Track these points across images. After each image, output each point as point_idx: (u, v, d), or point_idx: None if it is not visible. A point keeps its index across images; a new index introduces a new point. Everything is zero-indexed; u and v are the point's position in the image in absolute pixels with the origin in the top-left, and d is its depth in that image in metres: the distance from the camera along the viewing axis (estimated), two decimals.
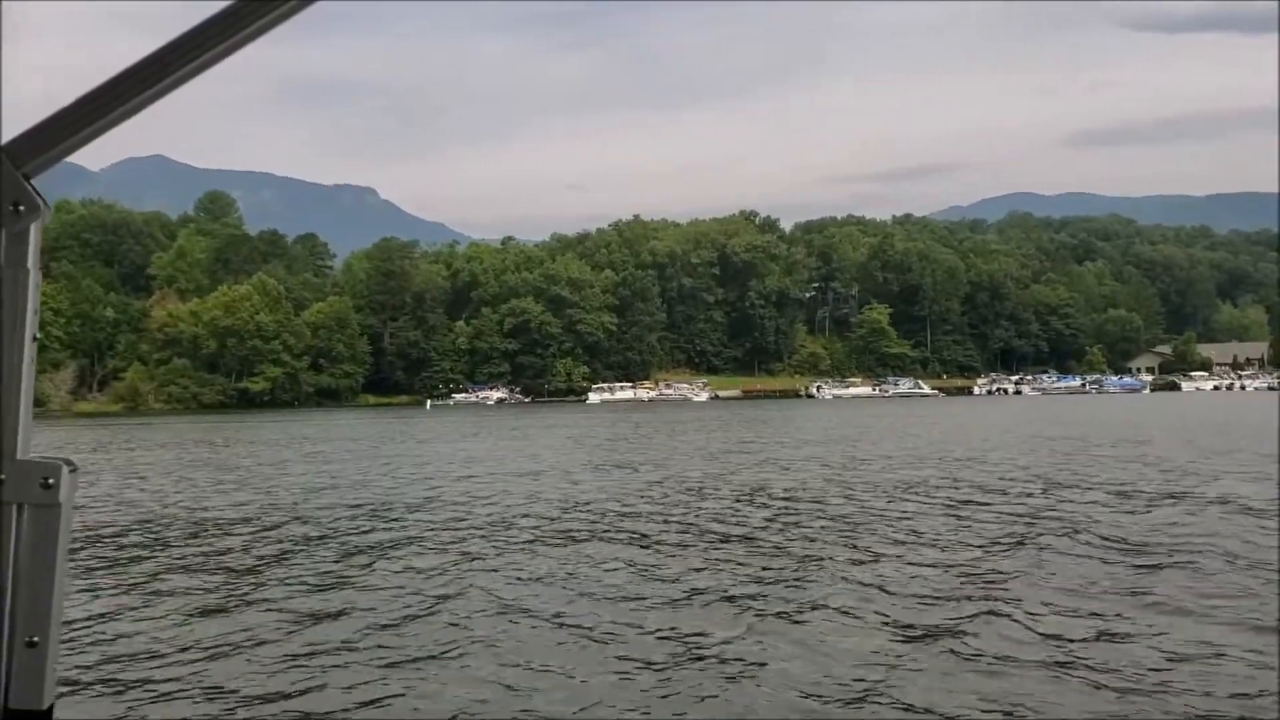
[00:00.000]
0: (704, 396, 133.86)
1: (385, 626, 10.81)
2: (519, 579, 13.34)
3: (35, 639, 1.36)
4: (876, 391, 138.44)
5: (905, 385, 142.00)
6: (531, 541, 16.44)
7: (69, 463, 1.39)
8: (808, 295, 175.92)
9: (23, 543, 1.36)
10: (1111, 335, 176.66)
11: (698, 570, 13.74)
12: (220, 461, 37.02)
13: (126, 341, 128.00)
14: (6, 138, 1.40)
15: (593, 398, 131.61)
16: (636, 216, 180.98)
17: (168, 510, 21.77)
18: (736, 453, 36.87)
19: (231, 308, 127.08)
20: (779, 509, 19.90)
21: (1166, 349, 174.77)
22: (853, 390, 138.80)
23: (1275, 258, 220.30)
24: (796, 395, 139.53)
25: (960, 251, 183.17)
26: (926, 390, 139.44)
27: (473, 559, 14.89)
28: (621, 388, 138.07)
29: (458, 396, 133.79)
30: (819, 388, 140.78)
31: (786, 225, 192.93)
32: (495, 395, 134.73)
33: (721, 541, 16.06)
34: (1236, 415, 57.49)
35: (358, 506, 21.65)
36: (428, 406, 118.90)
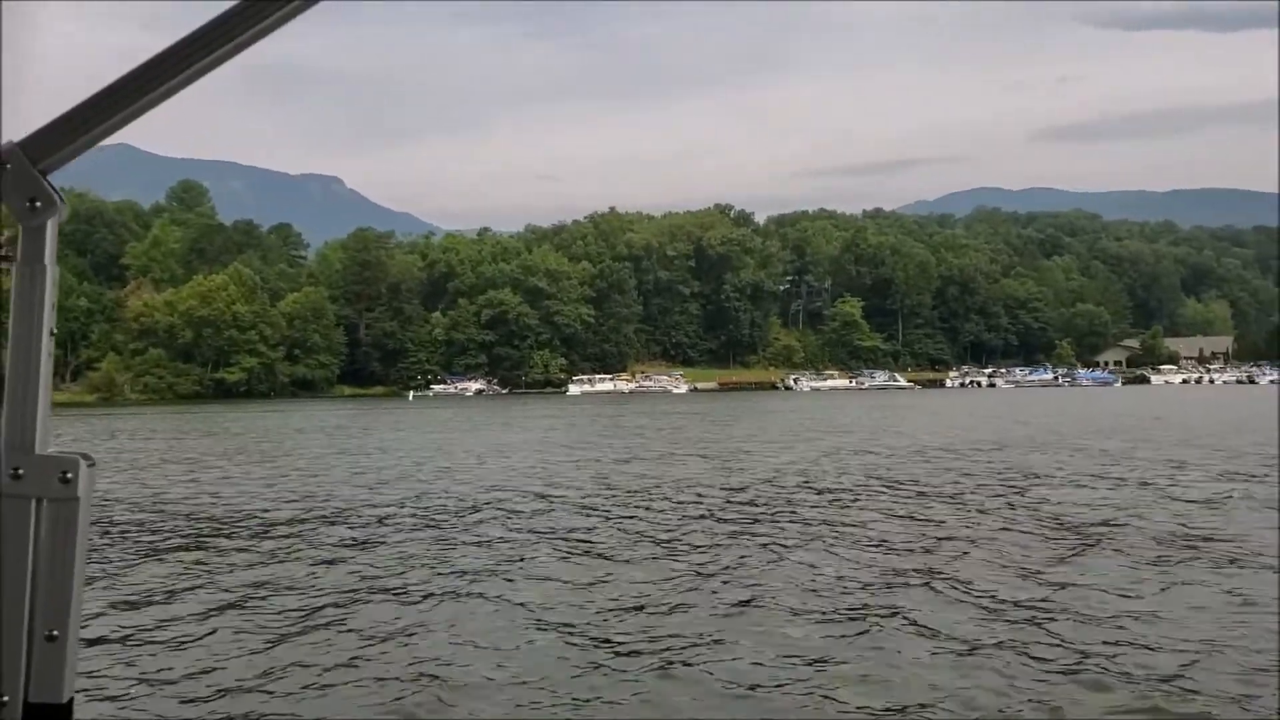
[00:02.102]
0: (683, 388, 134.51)
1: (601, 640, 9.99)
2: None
3: (55, 633, 1.37)
4: (853, 384, 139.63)
5: (881, 378, 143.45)
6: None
7: (87, 457, 1.39)
8: (782, 288, 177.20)
9: (42, 537, 1.37)
10: (1080, 329, 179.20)
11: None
12: (272, 451, 36.72)
13: (100, 331, 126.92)
14: (23, 134, 1.40)
15: (573, 389, 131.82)
16: (612, 209, 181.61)
17: (203, 503, 21.86)
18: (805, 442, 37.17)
19: (207, 298, 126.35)
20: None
21: (1134, 343, 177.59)
22: (830, 383, 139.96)
23: (1239, 253, 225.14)
24: (773, 387, 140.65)
25: (931, 246, 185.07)
26: (903, 383, 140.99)
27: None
28: (601, 379, 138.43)
29: (436, 388, 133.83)
30: (796, 380, 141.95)
31: (759, 218, 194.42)
32: (474, 386, 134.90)
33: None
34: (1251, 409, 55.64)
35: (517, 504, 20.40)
36: (410, 398, 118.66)
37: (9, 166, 1.37)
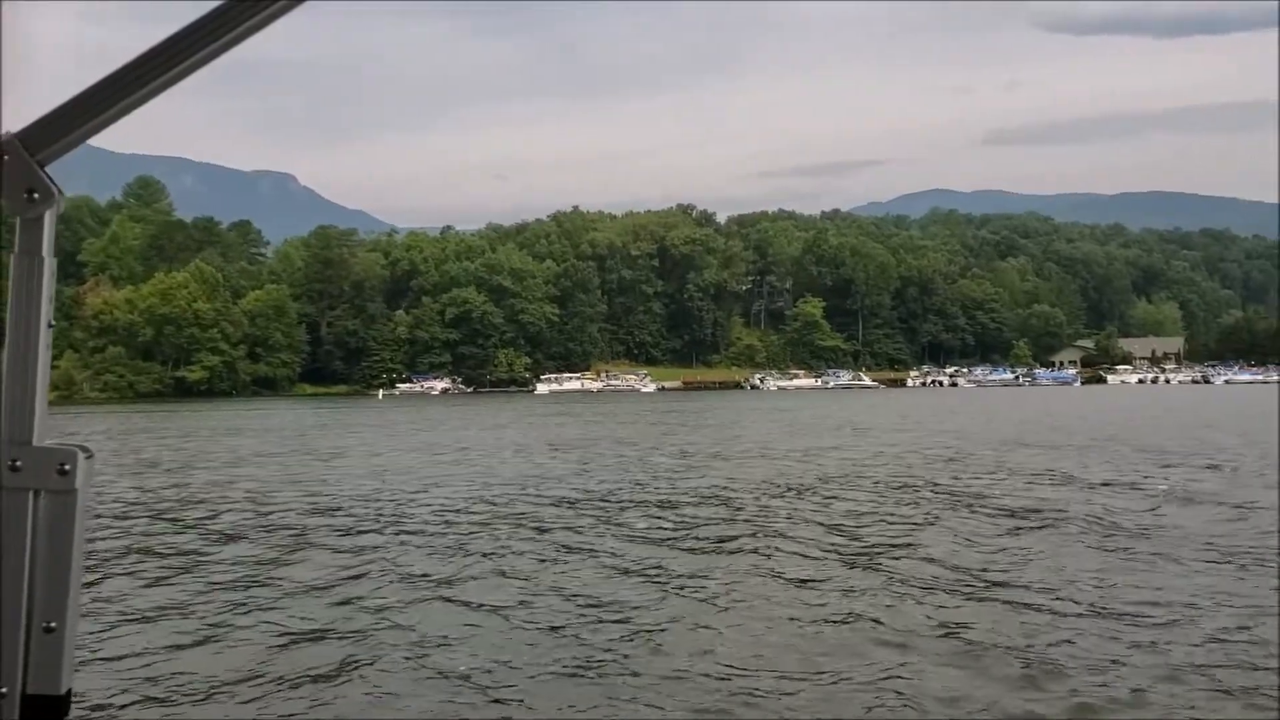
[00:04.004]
0: (651, 388, 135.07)
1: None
2: None
3: (52, 624, 1.37)
4: (819, 383, 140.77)
5: (845, 377, 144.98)
6: None
7: (84, 449, 1.40)
8: (744, 288, 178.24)
9: (40, 529, 1.37)
10: (1035, 329, 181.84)
11: None
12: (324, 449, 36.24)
13: (58, 329, 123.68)
14: (21, 125, 1.40)
15: (540, 388, 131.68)
16: (575, 208, 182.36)
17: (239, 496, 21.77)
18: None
19: (168, 295, 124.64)
20: None
21: (1089, 343, 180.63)
22: (796, 382, 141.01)
23: (1188, 255, 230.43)
24: (738, 387, 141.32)
25: (889, 247, 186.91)
26: (868, 382, 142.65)
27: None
28: (568, 378, 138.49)
29: (402, 386, 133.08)
30: (762, 379, 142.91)
31: (720, 218, 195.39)
32: (440, 385, 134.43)
33: None
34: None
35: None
36: (379, 396, 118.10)
37: (6, 158, 1.37)
